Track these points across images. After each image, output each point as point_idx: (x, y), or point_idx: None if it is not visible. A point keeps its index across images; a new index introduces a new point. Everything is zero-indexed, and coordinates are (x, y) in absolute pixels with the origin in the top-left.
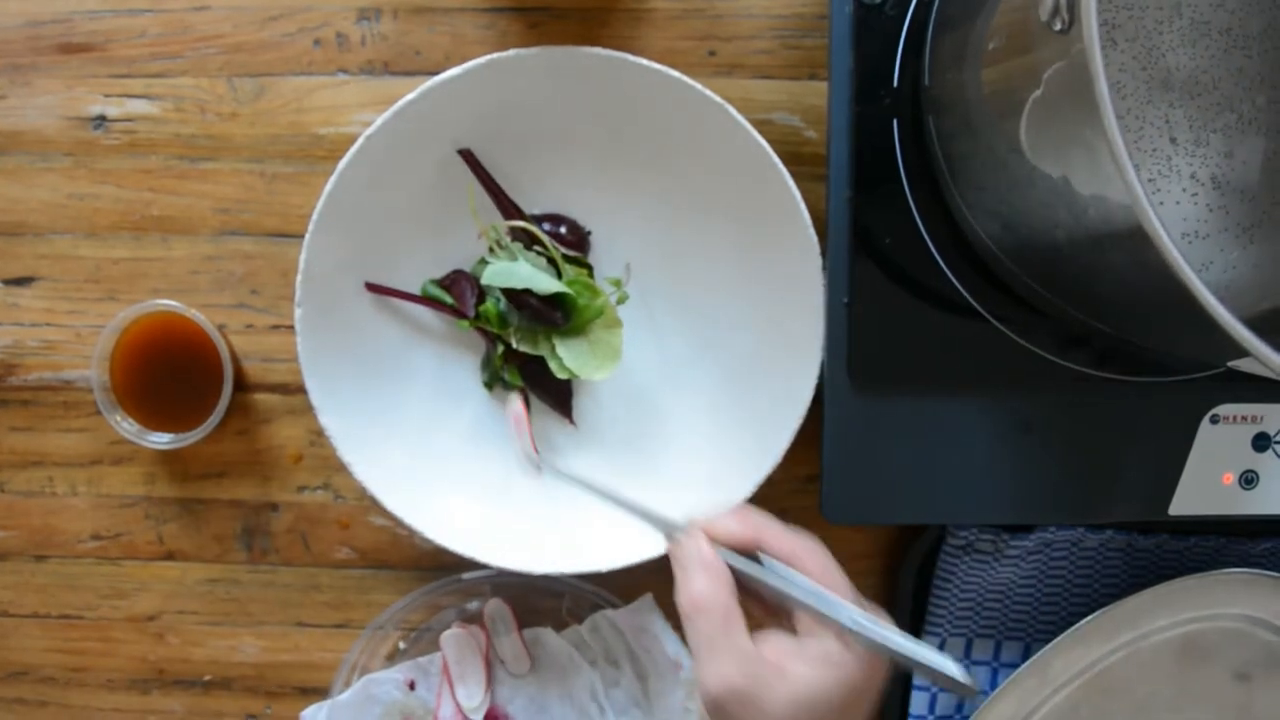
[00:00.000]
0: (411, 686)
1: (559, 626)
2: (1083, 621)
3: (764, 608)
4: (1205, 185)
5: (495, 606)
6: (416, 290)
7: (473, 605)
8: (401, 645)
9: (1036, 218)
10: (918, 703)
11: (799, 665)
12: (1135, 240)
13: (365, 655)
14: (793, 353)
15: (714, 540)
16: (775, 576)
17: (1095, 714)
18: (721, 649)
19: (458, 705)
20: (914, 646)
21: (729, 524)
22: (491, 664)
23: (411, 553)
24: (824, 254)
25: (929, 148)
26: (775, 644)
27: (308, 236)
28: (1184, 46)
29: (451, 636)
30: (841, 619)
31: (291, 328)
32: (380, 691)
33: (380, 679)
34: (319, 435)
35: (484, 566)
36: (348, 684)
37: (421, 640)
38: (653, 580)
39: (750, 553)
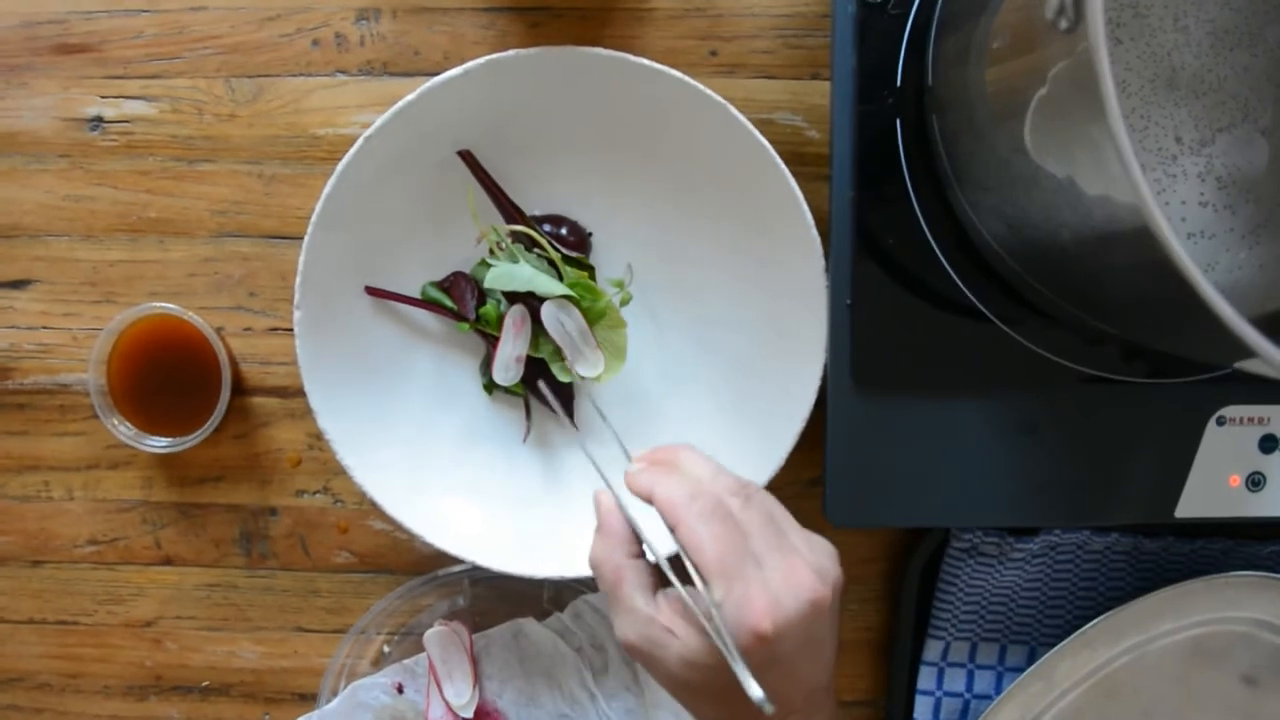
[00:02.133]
0: (400, 689)
1: (541, 616)
2: (1088, 625)
3: None
4: (1211, 185)
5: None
6: (416, 292)
7: (453, 602)
8: (386, 649)
9: (1041, 218)
10: (921, 707)
11: (684, 626)
12: (1141, 240)
13: (351, 659)
14: (795, 354)
15: (627, 484)
16: (649, 546)
17: (1101, 718)
18: (617, 609)
19: (447, 704)
20: (731, 658)
21: (633, 476)
22: (477, 659)
23: (411, 557)
24: (826, 255)
25: (932, 148)
26: (672, 602)
27: (306, 238)
28: (1189, 45)
29: (434, 635)
30: (698, 604)
31: (290, 330)
32: (369, 697)
33: (367, 684)
34: (318, 439)
35: (464, 563)
36: (334, 691)
37: (405, 642)
38: None
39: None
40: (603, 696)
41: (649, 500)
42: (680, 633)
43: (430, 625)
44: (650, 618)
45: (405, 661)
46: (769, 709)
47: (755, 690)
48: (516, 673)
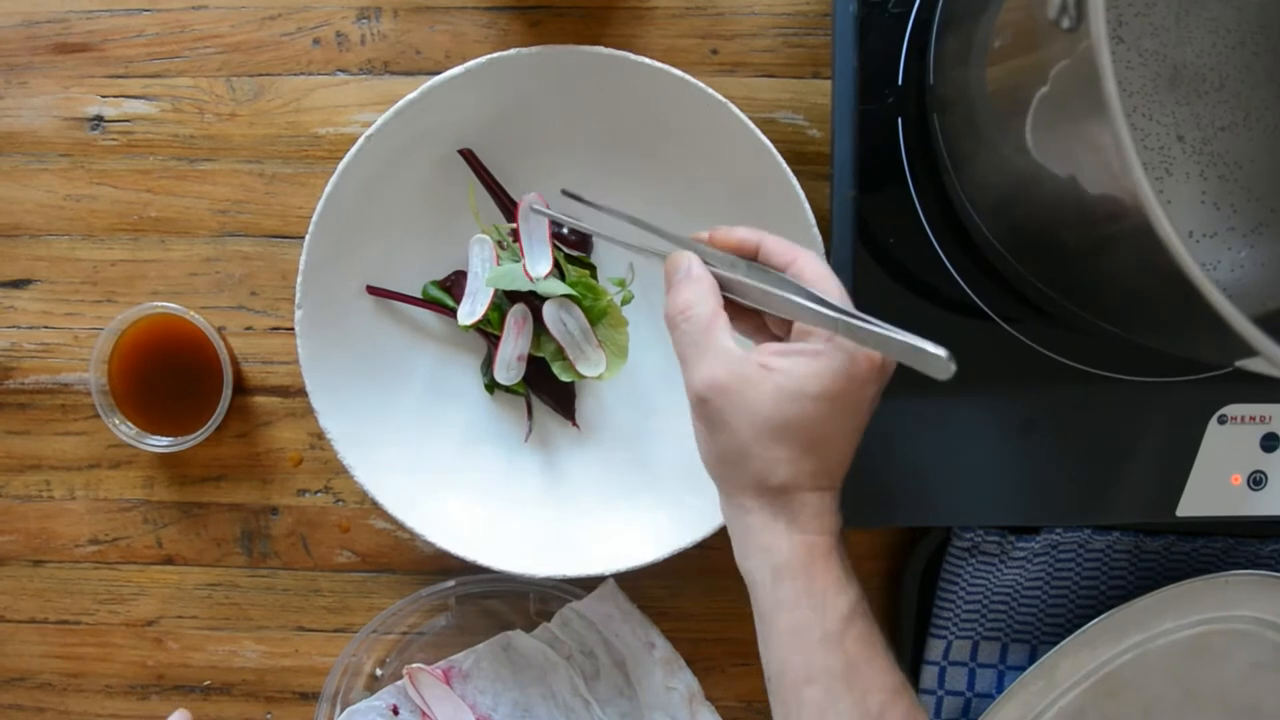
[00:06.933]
0: (395, 711)
1: (529, 626)
2: (1090, 624)
3: (758, 327)
4: (1212, 183)
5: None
6: (417, 291)
7: (439, 621)
8: (378, 672)
9: (1042, 217)
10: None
11: (784, 360)
12: (1143, 239)
13: (343, 687)
14: None
15: (715, 244)
16: (767, 278)
17: (1102, 717)
18: (707, 351)
19: None
20: (895, 335)
21: (731, 230)
22: (467, 676)
23: (413, 556)
24: (828, 253)
25: (934, 146)
26: (763, 348)
27: (308, 238)
28: (1191, 43)
29: (414, 674)
30: (827, 312)
31: (291, 329)
32: None
33: (362, 709)
34: (319, 438)
35: (448, 580)
36: (329, 718)
37: (394, 664)
38: (649, 580)
39: (752, 260)
40: (596, 702)
41: (752, 250)
42: (779, 365)
43: (419, 645)
44: (744, 356)
45: (398, 684)
46: (953, 366)
47: (937, 349)
48: (510, 685)
